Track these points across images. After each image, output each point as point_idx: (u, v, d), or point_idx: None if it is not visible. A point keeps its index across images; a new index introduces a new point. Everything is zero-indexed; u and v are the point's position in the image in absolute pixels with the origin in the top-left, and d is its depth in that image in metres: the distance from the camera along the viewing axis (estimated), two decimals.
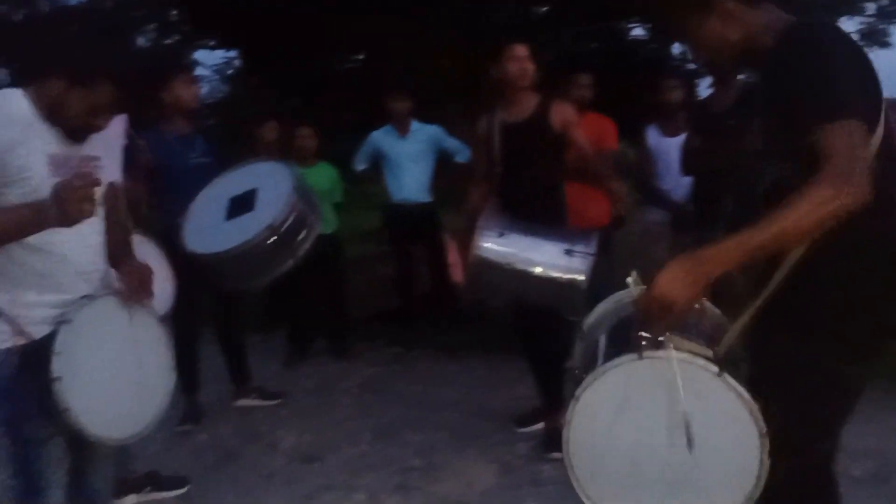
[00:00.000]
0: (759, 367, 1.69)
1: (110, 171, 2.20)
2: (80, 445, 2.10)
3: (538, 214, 3.27)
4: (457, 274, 5.23)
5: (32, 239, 1.92)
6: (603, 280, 2.89)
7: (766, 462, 1.49)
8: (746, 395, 1.50)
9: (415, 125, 5.08)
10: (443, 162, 5.18)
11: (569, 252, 2.88)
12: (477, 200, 3.59)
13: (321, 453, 3.61)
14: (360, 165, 5.29)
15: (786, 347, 1.65)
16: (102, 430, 2.05)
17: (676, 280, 1.48)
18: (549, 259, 2.92)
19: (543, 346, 3.52)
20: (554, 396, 3.46)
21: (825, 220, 1.42)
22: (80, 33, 2.06)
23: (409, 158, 5.04)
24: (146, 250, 2.87)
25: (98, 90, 1.96)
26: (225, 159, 3.42)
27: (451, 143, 5.12)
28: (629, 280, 1.65)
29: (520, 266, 2.93)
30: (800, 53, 1.56)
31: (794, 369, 1.63)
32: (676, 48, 10.07)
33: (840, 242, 1.48)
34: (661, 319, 1.51)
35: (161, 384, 2.26)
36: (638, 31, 10.67)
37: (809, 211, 1.41)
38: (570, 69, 4.33)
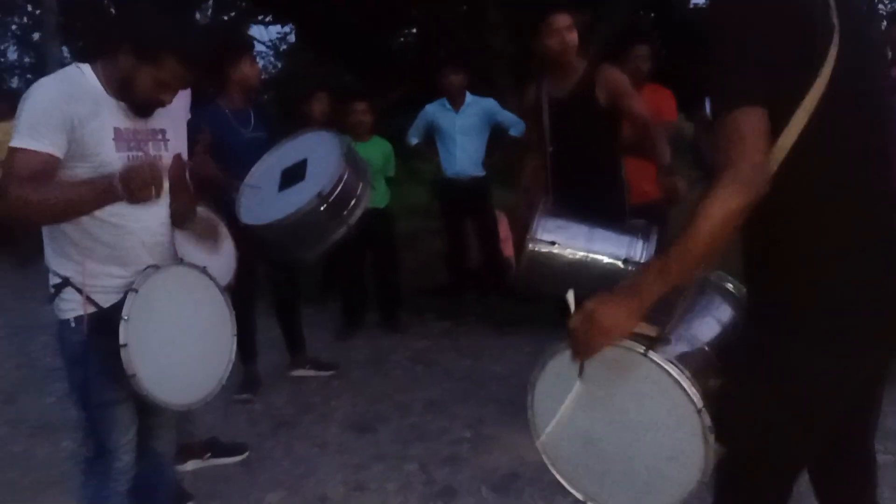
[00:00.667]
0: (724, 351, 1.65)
1: (175, 144, 2.26)
2: (145, 411, 2.18)
3: (593, 194, 3.16)
4: (507, 248, 5.21)
5: (101, 211, 1.99)
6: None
7: (710, 437, 1.47)
8: (675, 371, 1.48)
9: (469, 98, 5.05)
10: (497, 135, 5.15)
11: (626, 262, 2.83)
12: (530, 177, 3.53)
13: (373, 424, 3.68)
14: (414, 139, 5.30)
15: (755, 332, 1.57)
16: (167, 396, 2.10)
17: (606, 308, 1.44)
18: (604, 264, 2.87)
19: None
20: None
21: (729, 221, 1.33)
22: (147, 9, 2.10)
23: (463, 132, 5.02)
24: (211, 223, 2.94)
25: (164, 66, 2.00)
26: (280, 133, 3.46)
27: (506, 117, 5.08)
28: (568, 298, 1.61)
29: (574, 267, 2.89)
30: (705, 33, 1.46)
31: (761, 357, 1.53)
32: None
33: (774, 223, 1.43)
34: (588, 344, 1.49)
35: (223, 352, 2.31)
36: (697, 0, 10.38)
37: (712, 217, 1.32)
38: (628, 40, 4.23)
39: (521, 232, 3.06)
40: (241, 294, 3.53)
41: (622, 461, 1.61)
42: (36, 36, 16.03)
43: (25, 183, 1.87)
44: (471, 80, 5.12)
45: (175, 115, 2.31)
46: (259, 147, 3.27)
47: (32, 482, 3.17)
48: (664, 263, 1.40)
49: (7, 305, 5.96)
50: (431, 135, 5.22)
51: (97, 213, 1.99)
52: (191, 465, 3.21)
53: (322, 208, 2.77)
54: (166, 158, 2.20)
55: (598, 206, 3.07)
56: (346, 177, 2.82)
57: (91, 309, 2.05)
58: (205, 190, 3.31)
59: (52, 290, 2.09)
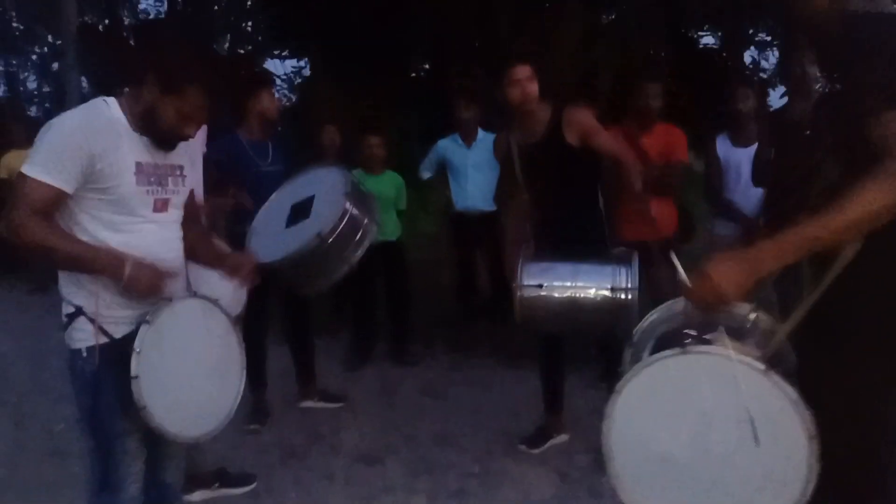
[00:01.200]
0: (804, 376, 1.63)
1: (192, 178, 2.31)
2: (154, 441, 2.19)
3: (573, 233, 3.25)
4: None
5: (116, 243, 2.04)
6: (669, 295, 2.87)
7: (815, 466, 1.43)
8: (795, 394, 1.45)
9: (481, 134, 5.11)
10: None
11: (612, 290, 2.97)
12: (512, 225, 3.59)
13: (381, 456, 3.66)
14: (426, 173, 5.35)
15: (830, 362, 1.58)
16: (177, 428, 2.12)
17: (731, 273, 1.47)
18: (593, 295, 3.00)
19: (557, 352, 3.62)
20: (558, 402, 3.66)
21: (880, 214, 1.37)
22: (171, 40, 2.16)
23: (475, 167, 5.07)
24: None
25: (188, 97, 2.04)
26: (296, 166, 3.50)
27: None
28: (673, 259, 1.64)
29: (565, 303, 3.02)
30: (861, 42, 1.50)
31: (837, 390, 1.56)
32: (748, 56, 9.84)
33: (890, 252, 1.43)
34: (712, 309, 1.52)
35: (233, 384, 2.33)
36: (708, 39, 10.48)
37: (863, 205, 1.37)
38: (638, 77, 4.28)
39: (513, 298, 3.12)
40: (252, 323, 3.57)
41: (707, 483, 1.53)
42: (55, 66, 16.35)
43: (35, 215, 1.92)
44: (484, 115, 5.18)
45: (193, 151, 2.35)
46: (276, 180, 3.32)
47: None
48: (803, 229, 1.43)
49: (22, 330, 6.00)
50: (443, 169, 5.27)
51: (113, 244, 2.04)
52: (199, 496, 3.20)
53: (322, 248, 2.80)
54: (182, 194, 2.24)
55: (579, 242, 3.19)
56: (347, 217, 2.85)
57: (103, 339, 2.07)
58: (218, 223, 3.36)
59: (65, 319, 2.10)
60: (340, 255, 2.90)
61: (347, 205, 2.87)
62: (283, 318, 4.26)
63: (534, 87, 3.29)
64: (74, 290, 2.08)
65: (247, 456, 3.65)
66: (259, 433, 3.94)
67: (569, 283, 3.03)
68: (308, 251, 2.79)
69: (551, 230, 3.33)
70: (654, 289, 3.79)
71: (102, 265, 2.00)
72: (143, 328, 2.02)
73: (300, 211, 3.02)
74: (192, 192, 2.34)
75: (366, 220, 2.95)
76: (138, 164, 2.07)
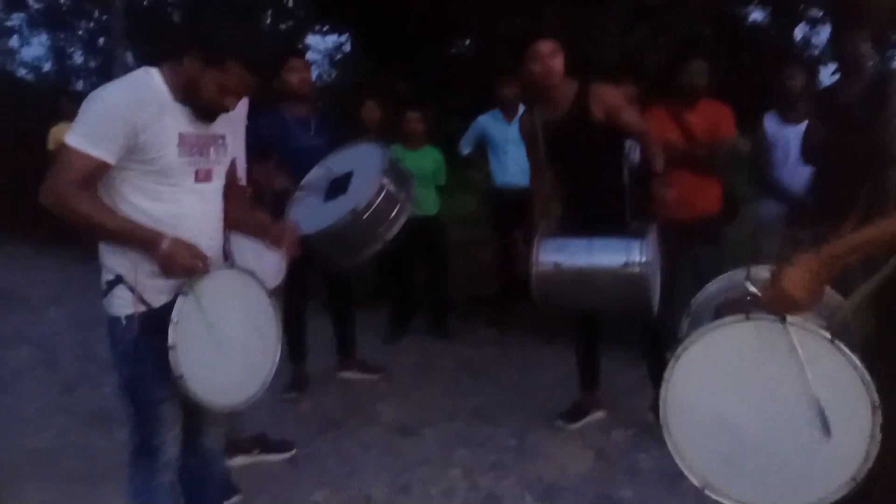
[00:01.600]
0: (872, 350, 1.60)
1: (234, 147, 2.31)
2: (194, 408, 2.21)
3: (598, 213, 3.23)
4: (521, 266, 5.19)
5: (158, 212, 2.06)
6: (712, 273, 2.84)
7: (878, 436, 1.41)
8: (860, 364, 1.43)
9: (521, 110, 5.06)
10: None
11: (625, 265, 2.97)
12: (539, 199, 3.56)
13: (418, 428, 3.70)
14: (466, 149, 5.34)
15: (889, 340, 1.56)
16: (212, 397, 2.15)
17: (803, 280, 1.46)
18: (606, 269, 3.01)
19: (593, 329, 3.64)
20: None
21: None
22: (214, 14, 2.17)
23: (515, 143, 5.00)
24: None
25: (230, 71, 2.04)
26: (339, 141, 3.52)
27: None
28: (748, 276, 1.63)
29: (580, 278, 3.03)
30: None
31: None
32: (797, 33, 9.58)
33: None
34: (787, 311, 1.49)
35: (269, 355, 2.34)
36: (756, 16, 10.22)
37: None
38: (683, 55, 4.19)
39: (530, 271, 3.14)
40: (292, 295, 3.62)
41: (767, 452, 1.53)
42: (102, 40, 16.60)
43: (76, 185, 1.94)
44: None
45: (234, 121, 2.35)
46: (318, 154, 3.34)
47: (89, 472, 3.25)
48: (876, 231, 1.42)
49: (69, 299, 6.17)
50: (483, 146, 5.25)
51: (154, 213, 2.06)
52: (239, 460, 3.27)
53: (356, 224, 2.82)
54: (224, 164, 2.26)
55: (604, 220, 3.18)
56: (384, 194, 2.86)
57: (142, 308, 2.09)
58: (262, 195, 3.39)
59: (105, 287, 2.12)
60: (374, 231, 2.93)
61: (384, 181, 2.89)
62: (325, 290, 4.30)
63: (557, 63, 3.24)
64: (114, 259, 2.10)
65: (286, 424, 3.72)
66: (298, 402, 4.01)
67: (582, 259, 3.04)
68: (343, 226, 2.83)
69: (576, 207, 3.34)
70: (696, 269, 3.74)
71: (140, 240, 2.03)
72: (180, 299, 2.04)
73: (339, 186, 3.05)
74: (233, 162, 2.35)
75: (403, 198, 2.97)
76: (181, 135, 2.08)
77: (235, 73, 2.05)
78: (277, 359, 2.35)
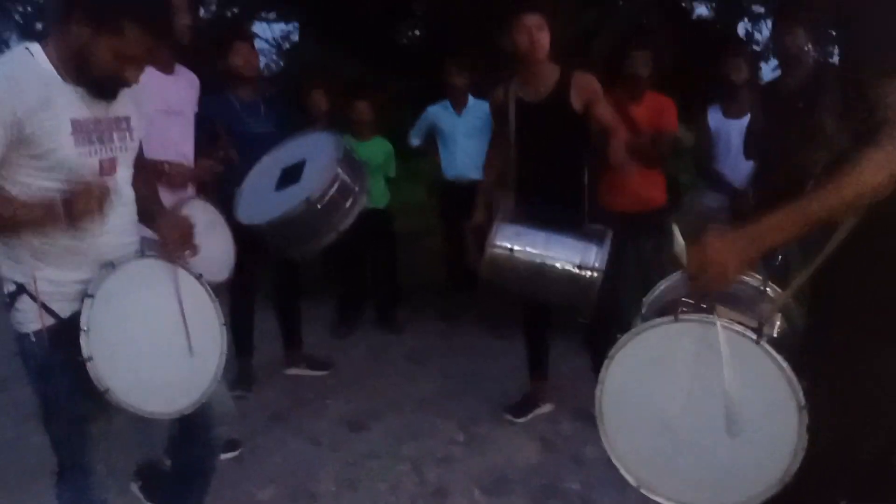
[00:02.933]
0: (808, 343, 1.63)
1: (140, 130, 2.03)
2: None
3: (555, 198, 3.23)
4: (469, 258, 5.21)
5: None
6: (656, 265, 2.88)
7: (804, 436, 1.43)
8: (785, 364, 1.44)
9: (472, 101, 5.04)
10: None
11: (580, 267, 2.95)
12: (491, 179, 3.56)
13: (367, 421, 3.68)
14: (415, 140, 5.29)
15: (832, 327, 1.56)
16: (154, 406, 1.95)
17: (731, 246, 1.42)
18: (560, 268, 2.98)
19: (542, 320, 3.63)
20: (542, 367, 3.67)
21: (886, 185, 1.31)
22: None
23: (465, 135, 5.01)
24: (211, 217, 2.93)
25: (126, 35, 1.73)
26: (288, 127, 3.45)
27: None
28: (673, 229, 1.59)
29: (531, 269, 3.00)
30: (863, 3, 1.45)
31: (839, 354, 1.54)
32: (741, 28, 9.76)
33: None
34: (709, 283, 1.46)
35: (213, 345, 2.11)
36: (702, 10, 10.38)
37: (867, 176, 1.31)
38: (627, 45, 4.22)
39: (478, 234, 3.12)
40: (240, 288, 3.55)
41: (698, 452, 1.54)
42: (40, 25, 15.94)
43: None
44: (476, 82, 5.11)
45: (137, 97, 2.02)
46: (267, 138, 3.27)
47: (25, 468, 3.15)
48: (807, 204, 1.38)
49: None
50: (433, 136, 5.22)
51: None
52: None
53: (310, 213, 2.77)
54: (130, 151, 1.99)
55: (559, 209, 3.15)
56: (338, 184, 2.82)
57: (50, 320, 1.85)
58: (209, 184, 3.31)
59: (7, 300, 1.88)
60: (329, 221, 2.88)
61: (339, 171, 2.84)
62: (271, 284, 4.23)
63: (544, 38, 3.18)
64: (13, 265, 1.85)
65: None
66: (245, 399, 3.93)
67: (538, 252, 3.02)
68: (296, 216, 2.76)
69: (534, 192, 3.29)
70: (640, 261, 3.80)
71: (34, 215, 1.76)
72: (86, 302, 1.81)
73: (291, 175, 2.98)
74: (139, 145, 2.06)
75: (356, 189, 2.92)
76: (75, 122, 1.79)
77: (133, 37, 1.73)
78: (225, 346, 2.15)
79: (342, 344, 4.82)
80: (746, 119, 3.96)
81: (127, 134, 1.96)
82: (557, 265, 2.98)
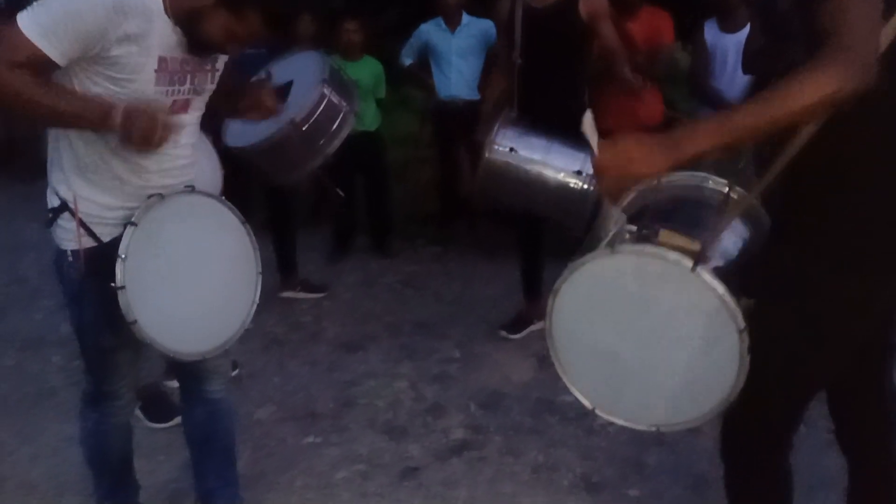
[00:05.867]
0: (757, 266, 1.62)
1: (220, 72, 2.00)
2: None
3: (556, 111, 3.16)
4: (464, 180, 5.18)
5: (116, 141, 1.74)
6: None
7: (747, 359, 1.46)
8: (721, 289, 1.44)
9: (466, 19, 4.91)
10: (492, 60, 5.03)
11: (579, 173, 2.92)
12: (495, 91, 3.52)
13: (363, 343, 3.71)
14: (408, 60, 5.17)
15: (780, 254, 1.55)
16: (178, 344, 1.88)
17: (646, 149, 1.34)
18: (558, 175, 2.96)
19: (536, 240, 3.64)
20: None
21: (823, 103, 1.26)
22: None
23: (458, 54, 4.90)
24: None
25: (245, 21, 1.73)
26: (278, 51, 3.37)
27: None
28: (586, 118, 1.53)
29: (528, 177, 2.97)
30: None
31: (782, 275, 1.53)
32: None
33: (843, 143, 1.37)
34: (616, 185, 1.42)
35: (246, 291, 2.05)
36: None
37: (804, 93, 1.24)
38: None
39: (475, 153, 3.09)
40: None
41: (645, 377, 1.58)
42: None
43: (11, 66, 1.60)
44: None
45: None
46: (258, 63, 3.19)
47: (24, 396, 3.20)
48: (736, 115, 1.32)
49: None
50: (426, 56, 5.10)
51: (113, 141, 1.74)
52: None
53: (296, 135, 2.71)
54: (206, 92, 1.94)
55: (559, 122, 3.05)
56: (324, 104, 2.75)
57: (89, 242, 1.81)
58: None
59: (50, 214, 1.84)
60: (316, 144, 2.82)
61: (325, 91, 2.77)
62: (265, 209, 4.20)
63: None
64: (61, 179, 1.81)
65: None
66: None
67: (538, 157, 2.98)
68: (281, 138, 2.71)
69: (537, 106, 3.25)
70: None
71: (91, 109, 1.68)
72: (128, 230, 1.75)
73: (279, 96, 2.92)
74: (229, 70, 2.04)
75: (345, 109, 2.85)
76: (162, 60, 1.74)
77: (250, 23, 1.74)
78: (257, 297, 2.08)
79: (337, 270, 4.82)
80: (742, 33, 3.88)
81: (209, 76, 1.92)
82: (557, 171, 2.96)
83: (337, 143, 2.84)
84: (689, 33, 4.35)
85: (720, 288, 1.45)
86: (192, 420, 2.21)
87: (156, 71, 1.74)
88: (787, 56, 3.39)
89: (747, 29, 3.87)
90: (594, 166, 1.44)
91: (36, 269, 4.54)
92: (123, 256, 1.73)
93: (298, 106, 2.74)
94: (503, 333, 3.67)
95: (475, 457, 2.74)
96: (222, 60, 1.97)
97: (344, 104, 2.85)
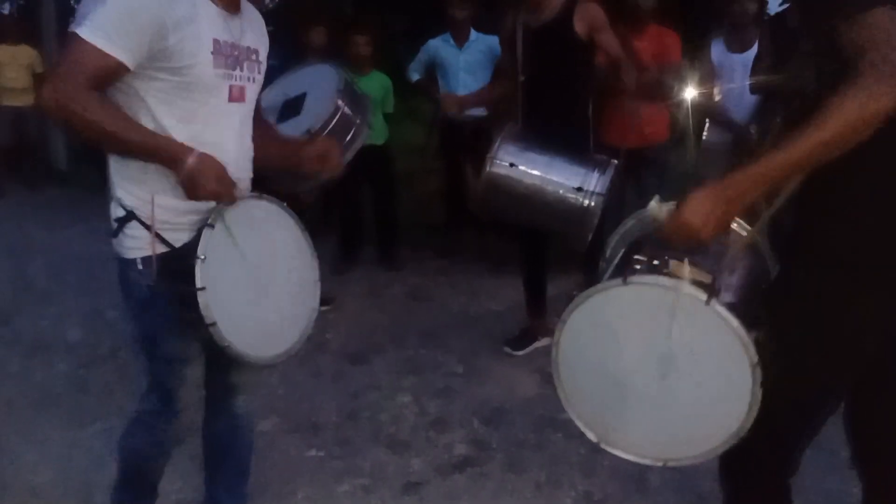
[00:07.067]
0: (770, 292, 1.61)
1: (265, 66, 2.02)
2: (224, 367, 2.00)
3: (559, 126, 3.22)
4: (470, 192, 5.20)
5: (186, 135, 1.74)
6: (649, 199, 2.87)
7: (758, 394, 1.44)
8: (735, 322, 1.43)
9: (473, 35, 4.95)
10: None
11: (580, 190, 2.93)
12: (500, 108, 3.56)
13: (367, 355, 3.72)
14: (415, 75, 5.21)
15: (790, 269, 1.55)
16: (251, 348, 1.84)
17: (704, 210, 1.37)
18: (558, 191, 2.96)
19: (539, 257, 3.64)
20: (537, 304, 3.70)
21: (868, 123, 1.25)
22: None
23: (466, 69, 4.94)
24: None
25: None
26: (292, 62, 3.40)
27: None
28: (652, 203, 1.53)
29: (530, 189, 2.97)
30: None
31: (795, 294, 1.52)
32: None
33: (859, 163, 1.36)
34: (685, 247, 1.44)
35: (307, 299, 2.05)
36: None
37: (849, 116, 1.24)
38: None
39: (480, 166, 3.09)
40: None
41: (654, 410, 1.56)
42: None
43: (86, 87, 1.60)
44: (477, 15, 5.01)
45: (265, 42, 2.04)
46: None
47: (28, 403, 3.20)
48: (783, 154, 1.32)
49: (2, 229, 5.94)
50: (433, 71, 5.14)
51: (182, 136, 1.73)
52: None
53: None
54: (257, 84, 1.96)
55: (562, 137, 3.13)
56: (338, 117, 2.77)
57: (161, 248, 1.78)
58: None
59: (115, 224, 1.81)
60: None
61: (339, 103, 2.80)
62: None
63: None
64: (127, 189, 1.78)
65: None
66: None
67: (539, 172, 2.99)
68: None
69: (540, 122, 3.28)
70: (642, 197, 3.79)
71: (162, 152, 1.69)
72: (205, 232, 1.73)
73: (291, 107, 2.94)
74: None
75: (358, 121, 2.88)
76: (216, 42, 1.75)
77: None
78: (318, 303, 2.08)
79: (343, 280, 4.83)
80: (750, 53, 3.90)
81: (257, 66, 1.94)
82: (557, 187, 2.96)
83: (351, 153, 2.87)
84: (697, 50, 4.37)
85: (734, 321, 1.43)
86: (213, 431, 2.19)
87: (212, 53, 1.75)
88: (798, 74, 3.41)
89: (755, 49, 3.89)
90: (665, 239, 1.46)
91: (43, 274, 4.57)
92: (203, 258, 1.71)
93: (314, 117, 2.77)
94: (507, 350, 3.68)
95: (477, 472, 2.74)
96: (263, 55, 1.99)
97: (357, 116, 2.88)
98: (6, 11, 10.00)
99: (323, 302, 4.32)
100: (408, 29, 6.84)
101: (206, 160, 1.70)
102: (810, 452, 1.68)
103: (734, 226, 1.72)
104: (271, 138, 2.13)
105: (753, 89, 3.81)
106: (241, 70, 1.86)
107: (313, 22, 4.78)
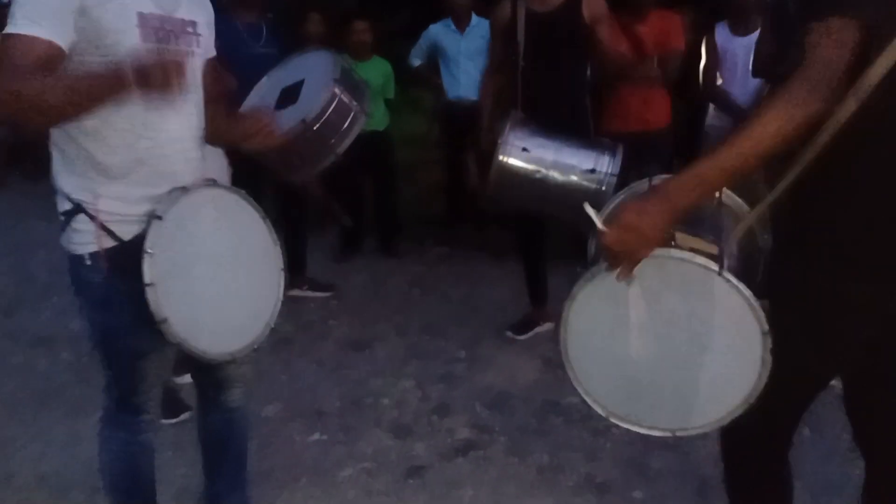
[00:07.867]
0: (769, 273, 1.62)
1: (207, 39, 1.92)
2: (210, 364, 1.94)
3: (561, 113, 3.21)
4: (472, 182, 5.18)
5: (118, 116, 1.66)
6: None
7: (769, 360, 1.45)
8: (747, 291, 1.43)
9: (475, 20, 4.92)
10: None
11: (592, 171, 2.91)
12: (489, 95, 3.55)
13: (370, 343, 3.72)
14: (416, 61, 5.19)
15: (785, 257, 1.55)
16: (206, 343, 1.79)
17: (650, 217, 1.37)
18: (572, 174, 2.94)
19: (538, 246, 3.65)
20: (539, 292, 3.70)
21: (795, 131, 1.28)
22: None
23: (467, 55, 4.91)
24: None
25: None
26: (289, 51, 3.39)
27: None
28: (588, 211, 1.50)
29: (541, 177, 2.95)
30: None
31: (789, 281, 1.53)
32: None
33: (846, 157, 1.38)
34: (630, 255, 1.43)
35: (269, 290, 1.99)
36: None
37: (775, 125, 1.27)
38: None
39: (488, 148, 3.09)
40: None
41: (664, 380, 1.56)
42: None
43: (20, 75, 1.53)
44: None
45: (206, 10, 1.93)
46: (269, 62, 3.21)
47: (32, 394, 3.22)
48: (716, 156, 1.34)
49: (4, 221, 5.95)
50: (434, 57, 5.11)
51: (113, 117, 1.65)
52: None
53: (307, 134, 2.72)
54: (198, 57, 1.85)
55: (564, 124, 3.12)
56: (335, 104, 2.76)
57: (109, 242, 1.73)
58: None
59: (62, 218, 1.76)
60: (327, 142, 2.83)
61: (336, 90, 2.78)
62: (275, 206, 4.21)
63: None
64: (72, 181, 1.73)
65: None
66: None
67: (551, 156, 2.97)
68: (292, 137, 2.72)
69: (542, 110, 3.25)
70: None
71: (103, 82, 1.55)
72: (154, 225, 1.67)
73: (289, 95, 2.92)
74: (212, 64, 1.97)
75: (356, 108, 2.86)
76: (141, 16, 1.67)
77: None
78: (282, 293, 2.03)
79: (345, 270, 4.84)
80: (753, 37, 3.87)
81: (195, 38, 1.85)
82: (570, 169, 2.94)
83: (347, 142, 2.84)
84: (700, 33, 4.34)
85: (746, 290, 1.43)
86: (207, 426, 2.18)
87: (138, 27, 1.68)
88: (796, 60, 3.39)
89: (758, 32, 3.86)
90: (605, 249, 1.45)
91: (45, 267, 4.57)
92: (150, 252, 1.66)
93: (310, 105, 2.75)
94: (509, 334, 3.68)
95: (480, 457, 2.74)
96: (204, 25, 1.90)
97: (355, 104, 2.86)
98: (6, 1, 9.94)
99: (325, 289, 4.40)
100: (409, 17, 6.80)
101: (142, 65, 1.53)
102: (811, 437, 1.68)
103: (728, 200, 1.73)
104: (219, 115, 2.04)
105: (755, 73, 3.78)
106: (176, 44, 1.78)
107: (310, 11, 4.77)
